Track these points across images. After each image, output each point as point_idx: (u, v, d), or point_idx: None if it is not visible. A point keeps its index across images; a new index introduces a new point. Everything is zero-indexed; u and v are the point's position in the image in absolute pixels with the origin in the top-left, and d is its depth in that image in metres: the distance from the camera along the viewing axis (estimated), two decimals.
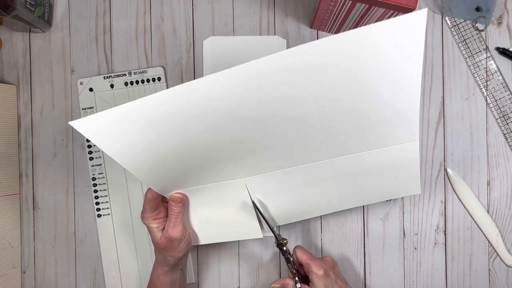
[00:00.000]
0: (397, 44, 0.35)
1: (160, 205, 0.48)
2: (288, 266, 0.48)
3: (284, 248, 0.48)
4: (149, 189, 0.46)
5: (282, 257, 0.59)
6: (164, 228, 0.48)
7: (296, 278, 0.47)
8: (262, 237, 0.50)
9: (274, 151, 0.44)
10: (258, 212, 0.48)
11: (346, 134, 0.42)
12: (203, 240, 0.52)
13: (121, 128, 0.39)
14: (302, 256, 0.48)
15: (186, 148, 0.42)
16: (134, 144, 0.41)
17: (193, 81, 0.36)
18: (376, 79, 0.37)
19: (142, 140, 0.40)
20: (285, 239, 0.49)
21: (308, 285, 0.47)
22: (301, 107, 0.39)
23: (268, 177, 0.47)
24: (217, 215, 0.50)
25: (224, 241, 0.52)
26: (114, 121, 0.39)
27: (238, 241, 0.60)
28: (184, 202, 0.48)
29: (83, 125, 0.39)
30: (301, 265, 0.49)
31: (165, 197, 0.49)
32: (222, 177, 0.46)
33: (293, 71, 0.36)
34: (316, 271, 0.46)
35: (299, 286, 0.47)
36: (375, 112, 0.40)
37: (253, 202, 0.48)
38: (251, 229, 0.50)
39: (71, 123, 0.38)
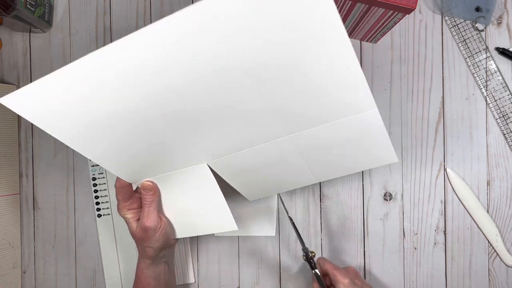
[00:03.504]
0: (306, 8, 0.30)
1: (134, 195, 0.48)
2: (317, 280, 0.49)
3: (312, 261, 0.50)
4: (117, 178, 0.46)
5: (283, 256, 0.59)
6: (139, 219, 0.48)
7: None
8: (237, 229, 0.48)
9: (226, 134, 0.42)
10: (292, 225, 0.52)
11: (295, 107, 0.39)
12: (179, 234, 0.50)
13: (59, 101, 0.37)
14: (327, 266, 0.50)
15: (138, 128, 0.40)
16: (79, 120, 0.38)
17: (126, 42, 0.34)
18: (299, 47, 0.33)
19: (86, 115, 0.38)
20: (313, 252, 0.51)
21: None
22: (236, 79, 0.35)
23: (230, 160, 0.45)
24: (189, 205, 0.48)
25: (199, 234, 0.50)
26: (47, 93, 0.36)
27: (238, 240, 0.60)
28: (155, 190, 0.47)
29: (14, 101, 0.36)
30: (324, 275, 0.50)
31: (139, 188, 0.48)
32: (185, 162, 0.45)
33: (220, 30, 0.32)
34: (342, 280, 0.48)
35: None
36: (315, 82, 0.36)
37: (289, 218, 0.52)
38: (225, 221, 0.48)
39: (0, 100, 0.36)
